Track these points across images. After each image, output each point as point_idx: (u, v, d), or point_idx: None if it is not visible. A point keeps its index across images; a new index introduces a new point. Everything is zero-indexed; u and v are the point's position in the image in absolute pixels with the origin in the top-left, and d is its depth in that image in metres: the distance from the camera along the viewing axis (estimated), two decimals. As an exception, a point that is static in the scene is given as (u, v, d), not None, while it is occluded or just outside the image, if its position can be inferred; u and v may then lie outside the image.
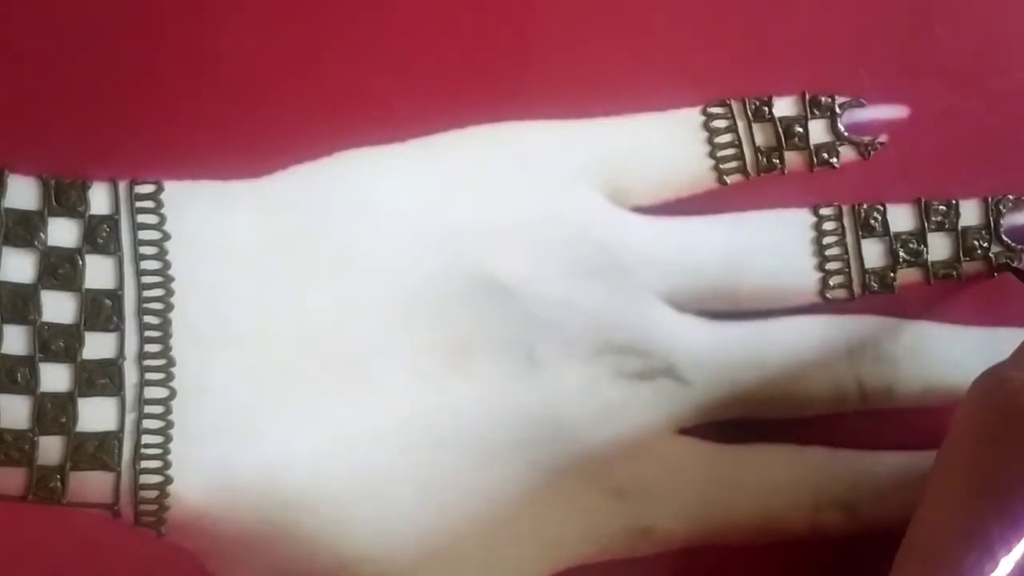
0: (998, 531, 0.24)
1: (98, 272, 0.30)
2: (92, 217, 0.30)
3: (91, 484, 0.29)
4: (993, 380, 0.26)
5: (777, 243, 0.32)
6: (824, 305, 0.32)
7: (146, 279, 0.30)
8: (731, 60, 0.32)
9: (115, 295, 0.30)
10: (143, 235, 0.30)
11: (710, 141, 0.32)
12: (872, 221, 0.32)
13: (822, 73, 0.32)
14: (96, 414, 0.29)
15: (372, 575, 0.30)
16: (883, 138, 0.32)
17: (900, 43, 0.33)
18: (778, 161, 0.32)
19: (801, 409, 0.32)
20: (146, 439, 0.29)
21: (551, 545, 0.31)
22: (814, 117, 0.32)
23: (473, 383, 0.31)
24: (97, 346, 0.29)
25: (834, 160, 0.32)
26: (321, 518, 0.30)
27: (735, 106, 0.32)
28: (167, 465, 0.29)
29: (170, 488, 0.29)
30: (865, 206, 0.32)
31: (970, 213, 0.32)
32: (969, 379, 0.31)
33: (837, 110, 0.32)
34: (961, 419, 0.26)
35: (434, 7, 0.31)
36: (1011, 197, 0.32)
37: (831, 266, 0.32)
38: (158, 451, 0.29)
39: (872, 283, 0.32)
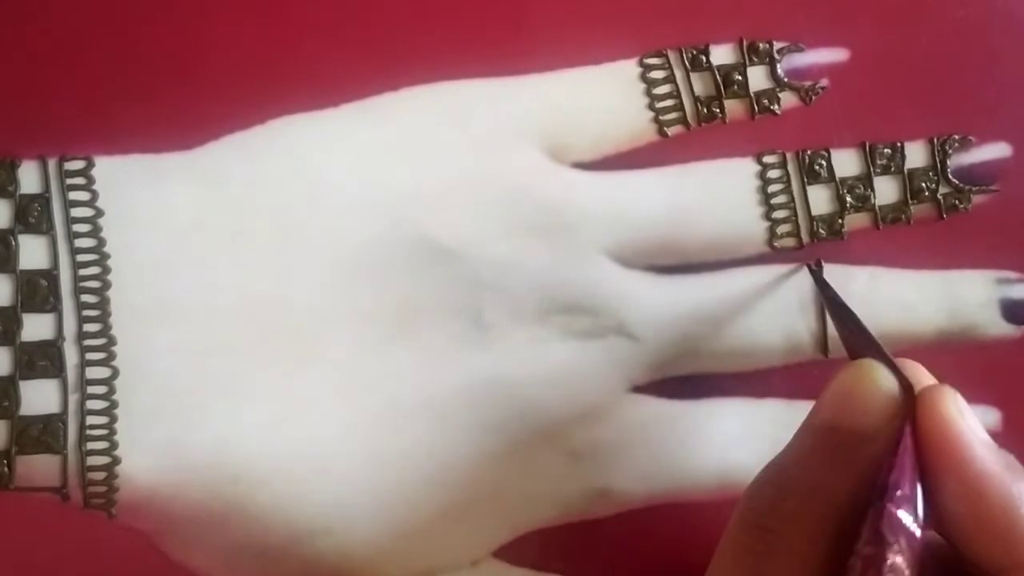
0: None
1: (32, 252, 0.33)
2: (23, 196, 0.33)
3: (38, 468, 0.33)
4: (748, 496, 0.28)
5: (722, 194, 0.35)
6: (773, 255, 0.35)
7: (81, 257, 0.33)
8: (666, 9, 0.35)
9: (50, 275, 0.33)
10: (76, 212, 0.33)
11: (648, 93, 0.36)
12: (817, 167, 0.36)
13: (759, 19, 0.36)
14: (39, 397, 0.33)
15: (328, 548, 0.34)
16: (824, 82, 0.36)
17: (836, -15, 0.36)
18: (718, 110, 0.36)
19: (755, 361, 0.35)
20: (91, 420, 0.33)
21: (509, 510, 0.35)
22: (753, 64, 0.36)
23: (420, 349, 0.34)
24: (35, 327, 0.33)
25: (775, 107, 0.36)
26: (273, 492, 0.33)
27: (672, 56, 0.36)
28: (114, 446, 0.33)
29: (119, 469, 0.33)
30: (809, 152, 0.35)
31: (916, 155, 0.36)
32: (923, 323, 0.36)
33: (776, 56, 0.35)
34: (726, 542, 0.28)
35: (360, -32, 0.34)
36: (957, 137, 0.36)
37: (778, 215, 0.35)
38: (104, 432, 0.33)
39: (820, 230, 0.36)
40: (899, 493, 0.26)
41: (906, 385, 0.27)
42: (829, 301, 0.33)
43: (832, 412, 0.28)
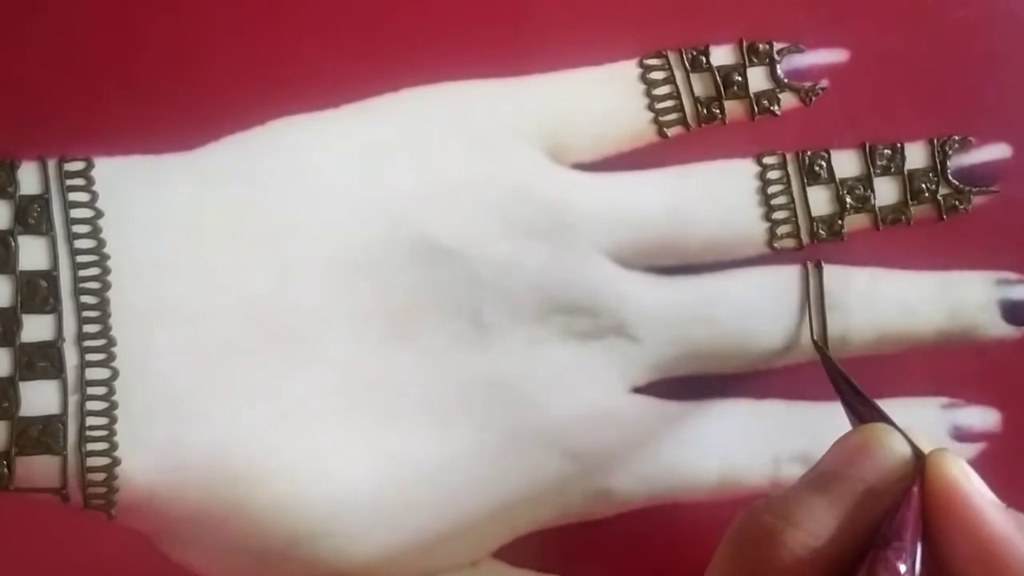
0: None
1: (32, 253, 0.33)
2: (22, 197, 0.33)
3: (38, 469, 0.33)
4: (744, 522, 0.27)
5: (722, 194, 0.35)
6: (773, 256, 0.36)
7: (81, 258, 0.33)
8: (666, 10, 0.36)
9: (50, 276, 0.33)
10: (75, 213, 0.33)
11: (648, 94, 0.36)
12: (817, 168, 0.36)
13: (759, 20, 0.36)
14: (38, 398, 0.33)
15: (328, 549, 0.34)
16: (824, 83, 0.36)
17: (837, -15, 0.36)
18: (718, 111, 0.36)
19: (755, 362, 0.36)
20: (91, 421, 0.33)
21: (509, 510, 0.35)
22: (753, 65, 0.36)
23: (420, 350, 0.34)
24: (35, 328, 0.33)
25: (775, 108, 0.36)
26: (273, 493, 0.33)
27: (672, 57, 0.36)
28: (114, 447, 0.33)
29: (118, 470, 0.33)
30: (809, 153, 0.36)
31: (916, 156, 0.36)
32: (923, 324, 0.36)
33: (776, 56, 0.36)
34: (716, 562, 0.28)
35: (361, -32, 0.34)
36: (957, 138, 0.36)
37: (778, 215, 0.36)
38: (104, 432, 0.33)
39: (820, 231, 0.36)
40: (898, 544, 0.26)
41: (918, 452, 0.27)
42: (834, 373, 0.33)
43: (844, 463, 0.28)
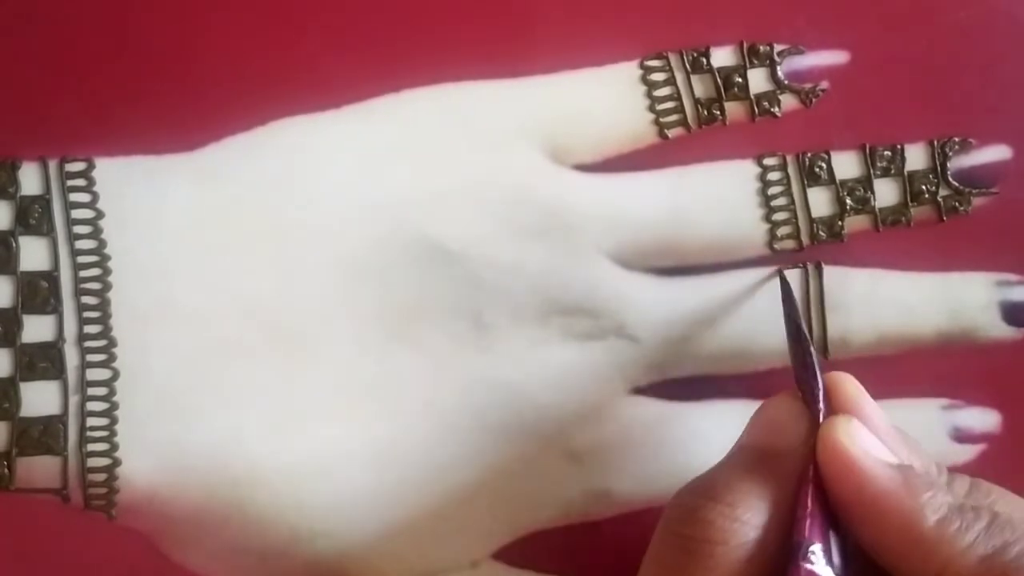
0: None
1: (32, 253, 0.33)
2: (23, 198, 0.33)
3: (39, 469, 0.33)
4: (669, 508, 0.29)
5: (722, 196, 0.36)
6: (773, 257, 0.36)
7: (82, 259, 0.33)
8: (667, 11, 0.36)
9: (51, 276, 0.33)
10: (76, 214, 0.34)
11: (649, 95, 0.36)
12: (817, 169, 0.36)
13: (759, 21, 0.36)
14: (39, 398, 0.33)
15: (329, 549, 0.34)
16: (824, 84, 0.36)
17: (837, -13, 0.36)
18: (719, 112, 0.36)
19: (755, 363, 0.36)
20: (91, 421, 0.33)
21: (509, 511, 0.35)
22: (753, 66, 0.36)
23: (421, 351, 0.35)
24: (36, 329, 0.33)
25: (775, 109, 0.36)
26: (273, 494, 0.33)
27: (672, 58, 0.36)
28: (114, 447, 0.33)
29: (119, 470, 0.33)
30: (809, 154, 0.36)
31: (916, 157, 0.36)
32: (923, 325, 0.36)
33: (776, 58, 0.36)
34: (650, 550, 0.29)
35: (362, -30, 0.35)
36: (957, 139, 0.36)
37: (778, 217, 0.36)
38: (104, 433, 0.33)
39: (820, 232, 0.36)
40: (811, 549, 0.27)
41: (815, 420, 0.29)
42: (787, 317, 0.33)
43: (752, 435, 0.30)
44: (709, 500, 0.28)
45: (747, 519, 0.27)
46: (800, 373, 0.31)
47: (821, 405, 0.29)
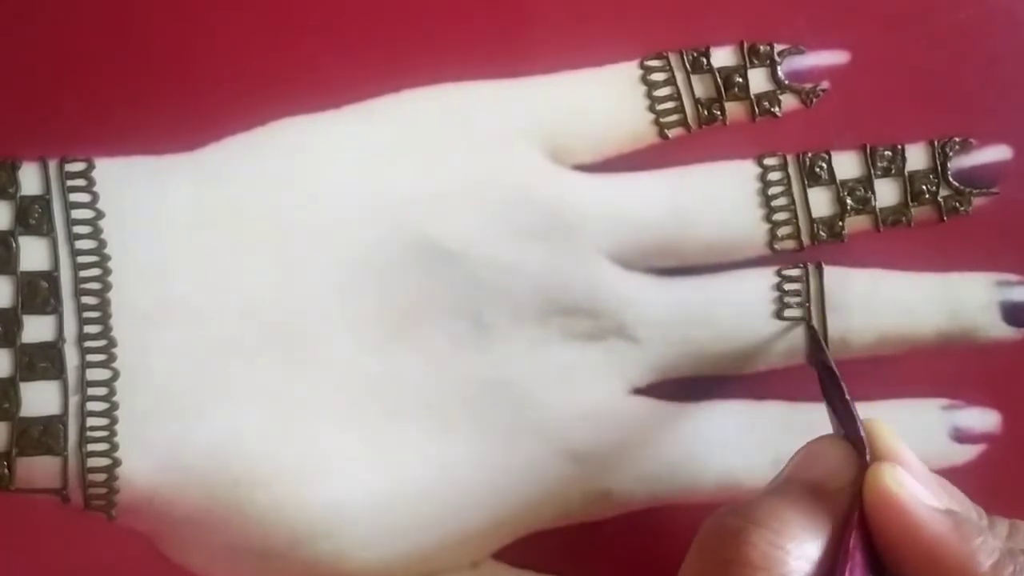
0: None
1: (32, 254, 0.33)
2: (23, 198, 0.33)
3: (39, 469, 0.33)
4: (710, 527, 0.28)
5: (722, 196, 0.36)
6: (773, 257, 0.36)
7: (82, 259, 0.33)
8: (667, 11, 0.36)
9: (51, 276, 0.33)
10: (76, 214, 0.34)
11: (649, 95, 0.36)
12: (817, 169, 0.36)
13: (760, 21, 0.36)
14: (39, 398, 0.33)
15: (329, 551, 0.34)
16: (824, 84, 0.36)
17: (837, -13, 0.36)
18: (719, 112, 0.36)
19: (755, 363, 0.36)
20: (91, 422, 0.33)
21: (509, 512, 0.35)
22: (753, 66, 0.36)
23: (421, 351, 0.35)
24: (36, 329, 0.33)
25: (776, 109, 0.36)
26: (274, 494, 0.33)
27: (673, 58, 0.36)
28: (114, 447, 0.33)
29: (119, 470, 0.33)
30: (810, 154, 0.36)
31: (917, 157, 0.36)
32: (924, 325, 0.36)
33: (776, 58, 0.36)
34: (685, 568, 0.29)
35: (363, -31, 0.35)
36: (957, 139, 0.36)
37: (778, 217, 0.36)
38: (104, 433, 0.33)
39: (821, 232, 0.36)
40: None
41: (862, 464, 0.29)
42: (818, 363, 0.33)
43: (799, 469, 0.29)
44: (753, 524, 0.27)
45: (790, 549, 0.27)
46: (837, 417, 0.31)
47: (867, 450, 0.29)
